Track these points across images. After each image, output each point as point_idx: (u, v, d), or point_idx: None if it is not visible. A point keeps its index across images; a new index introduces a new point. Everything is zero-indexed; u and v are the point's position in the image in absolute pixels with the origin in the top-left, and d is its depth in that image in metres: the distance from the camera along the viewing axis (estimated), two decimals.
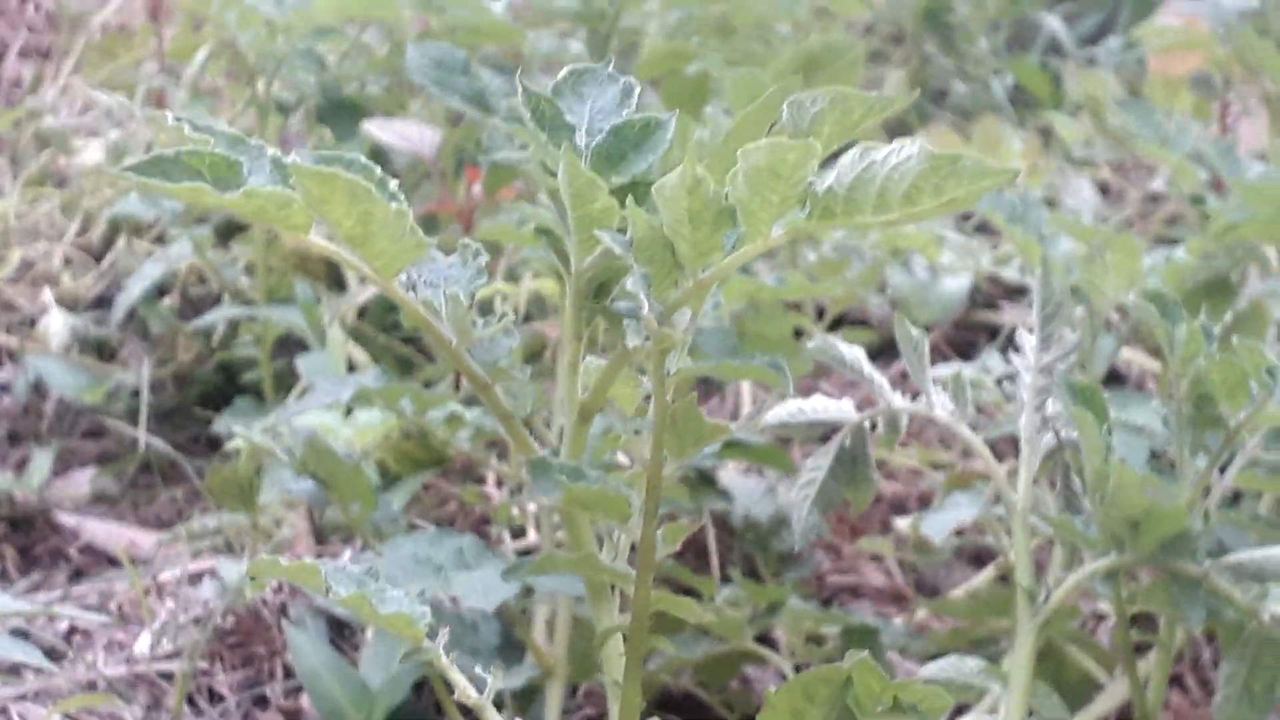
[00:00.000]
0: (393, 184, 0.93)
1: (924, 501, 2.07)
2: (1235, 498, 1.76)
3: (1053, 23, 3.20)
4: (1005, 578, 1.86)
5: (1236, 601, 1.30)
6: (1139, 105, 2.00)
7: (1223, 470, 1.35)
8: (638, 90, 0.97)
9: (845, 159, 0.88)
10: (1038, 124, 2.95)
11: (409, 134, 2.22)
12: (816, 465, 1.33)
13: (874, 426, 1.37)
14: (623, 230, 0.91)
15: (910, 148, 0.86)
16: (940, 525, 1.60)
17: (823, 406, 1.34)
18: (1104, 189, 2.72)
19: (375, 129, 2.26)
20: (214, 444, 2.39)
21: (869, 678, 0.95)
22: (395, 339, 2.59)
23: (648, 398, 0.95)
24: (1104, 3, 3.42)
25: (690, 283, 0.91)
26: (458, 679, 0.99)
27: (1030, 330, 1.36)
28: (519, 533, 2.02)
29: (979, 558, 2.01)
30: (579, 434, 0.98)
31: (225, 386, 2.54)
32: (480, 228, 2.12)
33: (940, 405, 1.35)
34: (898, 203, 0.87)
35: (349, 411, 2.01)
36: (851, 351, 1.35)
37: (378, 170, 0.93)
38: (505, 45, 2.23)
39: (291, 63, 2.38)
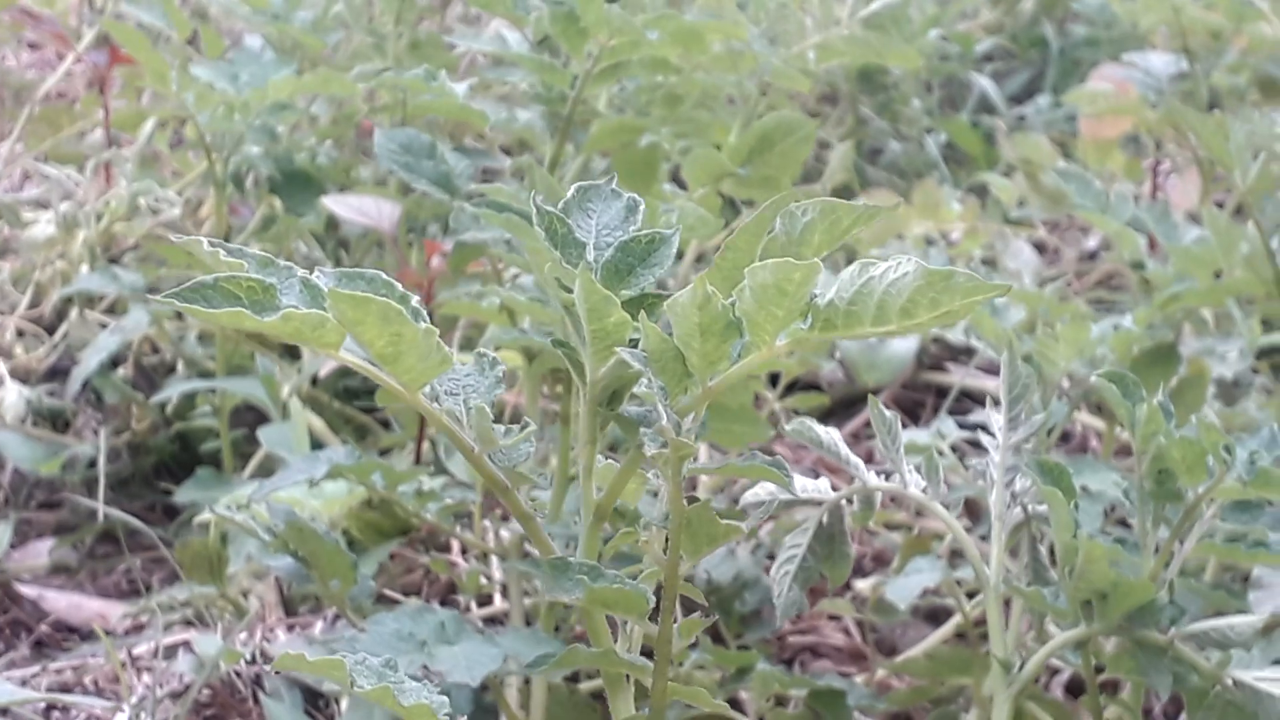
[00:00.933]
0: (415, 300, 0.98)
1: (880, 560, 2.13)
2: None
3: (983, 82, 3.28)
4: (962, 636, 1.92)
5: (1201, 668, 1.36)
6: (1078, 174, 2.07)
7: (1182, 541, 1.42)
8: (642, 207, 1.03)
9: (845, 273, 0.94)
10: (971, 183, 3.03)
11: (366, 209, 2.27)
12: (795, 542, 1.38)
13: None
14: (634, 340, 0.96)
15: (907, 265, 0.92)
16: (904, 591, 1.66)
17: (800, 486, 1.39)
18: (1040, 248, 2.80)
19: (332, 204, 2.30)
20: (171, 512, 2.43)
21: None
22: (350, 406, 2.63)
23: (654, 493, 1.00)
24: (1031, 61, 3.50)
25: (699, 390, 0.96)
26: None
27: (997, 409, 1.42)
28: (485, 600, 2.07)
29: (935, 616, 2.07)
30: (594, 533, 1.03)
31: (181, 455, 2.57)
32: (439, 300, 2.16)
33: (914, 484, 1.41)
34: (895, 316, 0.93)
35: (311, 484, 2.05)
36: (828, 434, 1.40)
37: (399, 287, 0.98)
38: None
39: (242, 141, 2.43)
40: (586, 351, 0.98)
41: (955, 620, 1.94)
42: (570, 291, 0.97)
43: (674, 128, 2.20)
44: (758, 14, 2.21)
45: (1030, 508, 1.41)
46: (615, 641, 1.06)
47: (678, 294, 0.93)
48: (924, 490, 1.41)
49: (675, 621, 1.01)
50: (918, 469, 1.42)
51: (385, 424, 2.55)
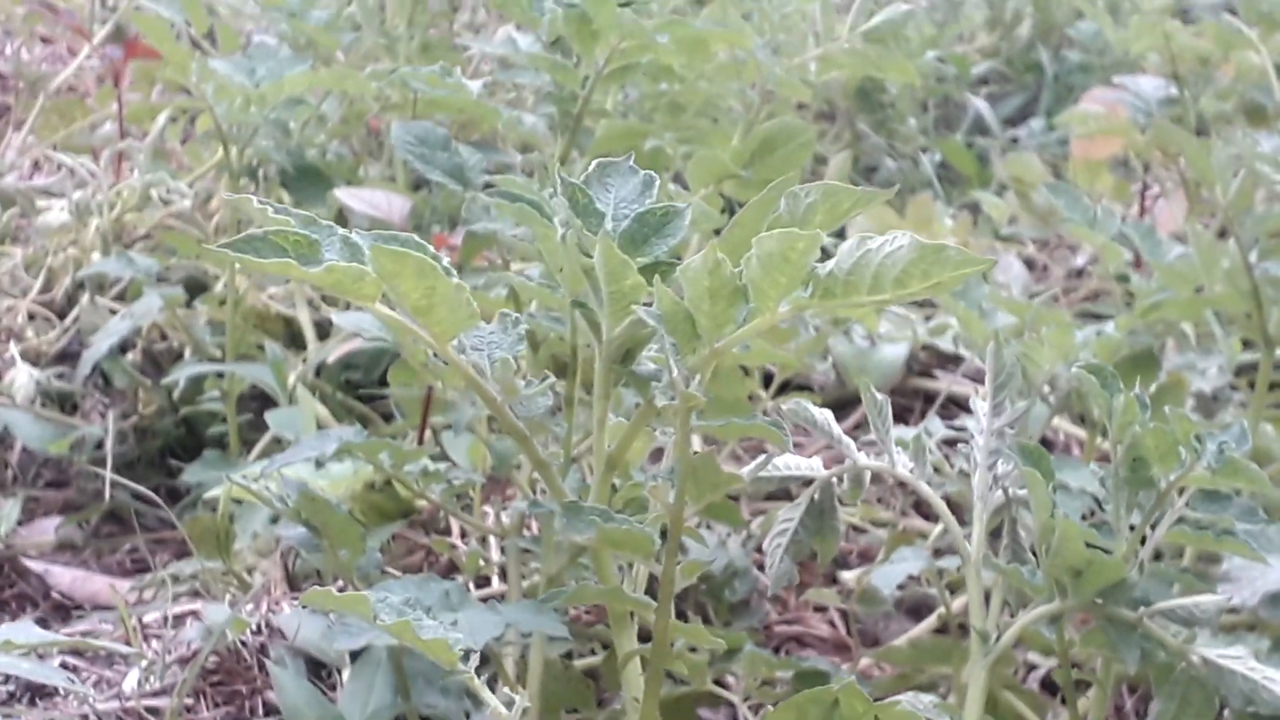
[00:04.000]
0: (446, 260, 1.05)
1: (865, 557, 2.20)
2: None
3: (978, 104, 3.36)
4: (943, 629, 1.99)
5: (1168, 645, 1.44)
6: (1067, 190, 2.15)
7: (1154, 527, 1.49)
8: (657, 182, 1.10)
9: (844, 246, 1.02)
10: (964, 201, 3.10)
11: (377, 202, 2.34)
12: (788, 517, 1.46)
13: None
14: (647, 304, 1.03)
15: (902, 238, 0.99)
16: (889, 577, 1.73)
17: (794, 463, 1.47)
18: (1029, 264, 2.87)
19: (345, 197, 2.37)
20: (175, 495, 2.48)
21: (854, 699, 1.07)
22: (352, 397, 2.70)
23: (657, 450, 1.07)
24: (1026, 85, 3.58)
25: (706, 351, 1.04)
26: (488, 698, 1.10)
27: (983, 397, 1.50)
28: (483, 582, 2.13)
29: (917, 610, 2.14)
30: (605, 481, 1.10)
31: (186, 440, 2.63)
32: None
33: (901, 464, 1.48)
34: (890, 285, 1.00)
35: (319, 465, 2.11)
36: (822, 414, 1.48)
37: (430, 247, 1.05)
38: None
39: (261, 131, 2.49)
40: (604, 312, 1.05)
41: (937, 613, 2.01)
42: (590, 257, 1.04)
43: (677, 134, 2.27)
44: (761, 24, 2.28)
45: (1011, 491, 1.48)
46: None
47: (690, 259, 1.00)
48: (910, 471, 1.49)
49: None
50: (904, 448, 1.49)
51: (387, 416, 2.61)
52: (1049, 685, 2.03)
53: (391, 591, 1.68)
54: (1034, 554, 1.50)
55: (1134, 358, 1.91)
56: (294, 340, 2.66)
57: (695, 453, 1.06)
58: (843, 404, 2.47)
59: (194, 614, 2.06)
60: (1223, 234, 2.47)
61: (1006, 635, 1.43)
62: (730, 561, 2.01)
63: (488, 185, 1.96)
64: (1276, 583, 1.54)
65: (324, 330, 2.81)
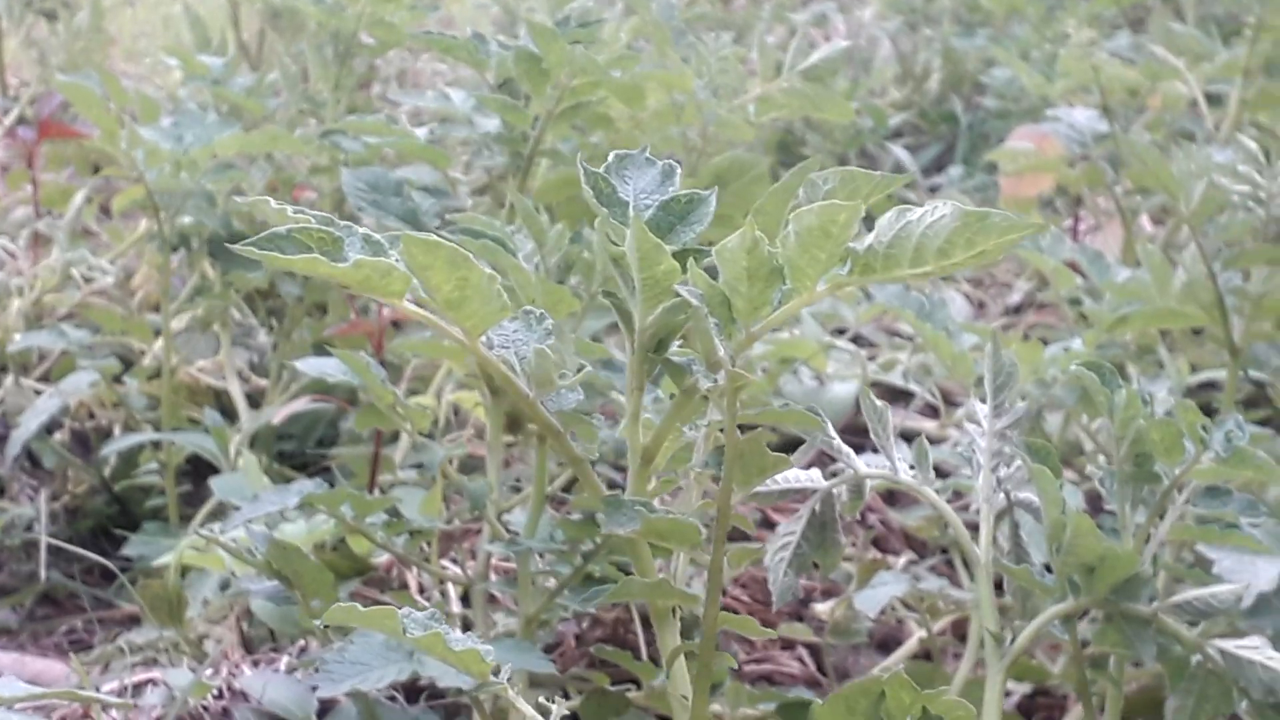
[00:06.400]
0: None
1: (828, 593, 2.18)
2: None
3: (898, 152, 3.37)
4: (925, 656, 1.97)
5: (1184, 638, 1.42)
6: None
7: (1159, 520, 1.48)
8: (678, 172, 1.09)
9: (882, 220, 1.00)
10: None
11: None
12: (790, 530, 1.43)
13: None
14: (676, 294, 1.01)
15: (944, 207, 0.97)
16: (873, 600, 1.71)
17: (793, 476, 1.44)
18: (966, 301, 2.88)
19: None
20: (108, 575, 2.43)
21: (901, 690, 1.05)
22: (286, 467, 2.66)
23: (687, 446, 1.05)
24: (941, 136, 3.60)
25: (743, 334, 1.01)
26: (525, 709, 1.07)
27: (980, 399, 1.48)
28: None
29: (885, 645, 2.12)
30: (641, 475, 1.07)
31: (119, 518, 2.59)
32: (393, 345, 2.21)
33: (904, 470, 1.46)
34: (932, 256, 0.98)
35: (270, 526, 2.07)
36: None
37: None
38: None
39: (187, 201, 2.46)
40: (636, 300, 1.03)
41: (914, 639, 1.99)
42: (618, 246, 1.02)
43: None
44: (699, 67, 2.28)
45: (1014, 494, 1.47)
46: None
47: (726, 240, 0.98)
48: (914, 476, 1.47)
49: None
50: (909, 465, 1.47)
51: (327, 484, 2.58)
52: (1025, 709, 2.01)
53: (373, 635, 1.65)
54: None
55: (1090, 368, 1.91)
56: (225, 413, 2.62)
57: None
58: (793, 445, 2.45)
59: (152, 682, 2.00)
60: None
61: (1021, 637, 1.41)
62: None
63: (450, 221, 1.94)
64: (1270, 582, 1.53)
65: (255, 401, 2.77)
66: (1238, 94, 2.57)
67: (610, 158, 1.09)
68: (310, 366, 1.76)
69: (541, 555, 1.72)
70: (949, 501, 1.58)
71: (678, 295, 1.02)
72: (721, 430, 1.09)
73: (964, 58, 3.66)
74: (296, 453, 2.72)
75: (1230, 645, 1.42)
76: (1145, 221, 2.79)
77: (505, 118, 1.95)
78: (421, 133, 2.05)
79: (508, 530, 1.80)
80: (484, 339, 1.02)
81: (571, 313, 1.54)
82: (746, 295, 1.00)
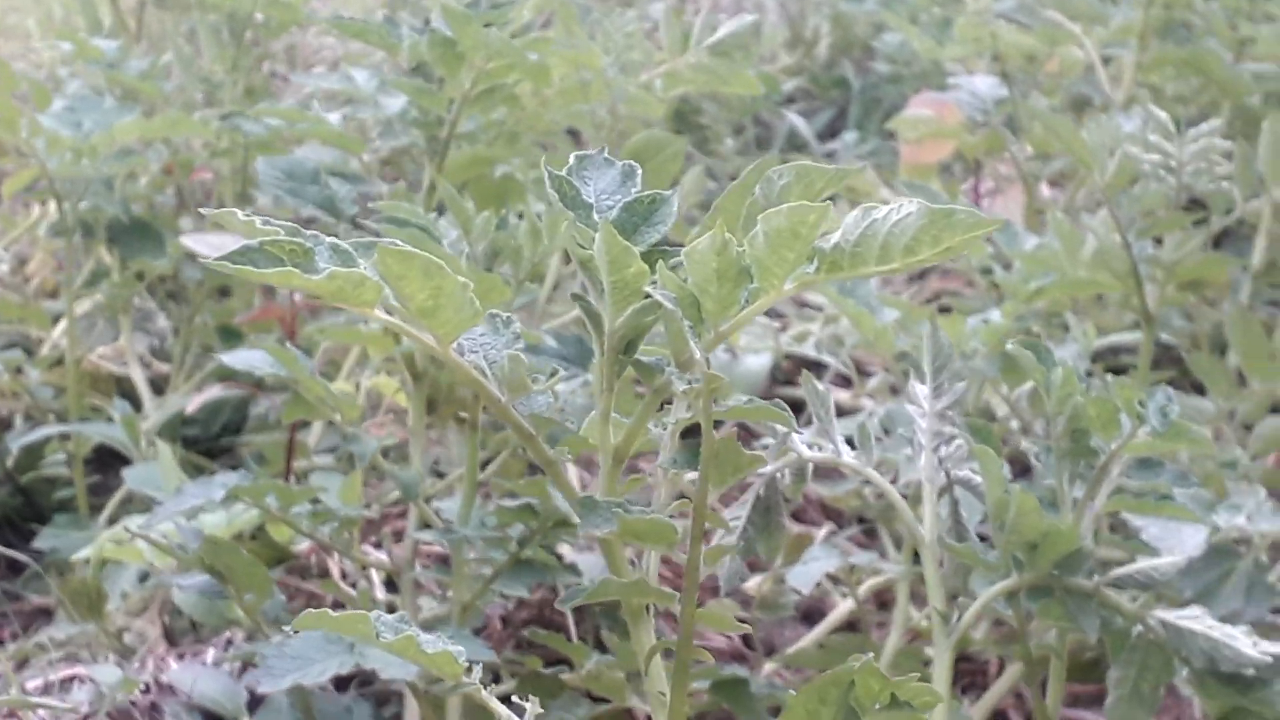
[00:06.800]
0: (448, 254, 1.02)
1: (753, 567, 2.19)
2: None
3: (794, 119, 3.39)
4: (850, 627, 1.99)
5: (1125, 611, 1.45)
6: (922, 187, 2.17)
7: (1094, 497, 1.50)
8: (639, 173, 1.09)
9: (849, 218, 1.01)
10: None
11: (225, 246, 2.28)
12: (735, 515, 1.44)
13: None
14: (645, 295, 1.02)
15: (909, 205, 0.98)
16: (807, 576, 1.73)
17: None
18: None
19: (191, 242, 2.32)
20: (15, 568, 2.41)
21: (870, 679, 1.06)
22: (192, 453, 2.64)
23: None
24: (833, 101, 3.62)
25: (712, 334, 1.02)
26: (498, 709, 1.07)
27: (919, 381, 1.50)
28: None
29: (809, 616, 2.14)
30: (614, 475, 1.08)
31: (25, 510, 2.55)
32: (306, 330, 2.20)
33: (846, 452, 1.48)
34: (899, 254, 0.99)
35: (189, 518, 2.06)
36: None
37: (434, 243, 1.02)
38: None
39: (88, 188, 2.44)
40: (605, 303, 1.03)
41: (841, 610, 2.01)
42: (585, 249, 1.02)
43: (525, 159, 2.26)
44: (606, 43, 2.27)
45: (954, 473, 1.49)
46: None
47: (695, 241, 0.99)
48: (856, 458, 1.48)
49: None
50: (849, 441, 1.49)
51: (233, 468, 2.57)
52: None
53: (314, 630, 1.65)
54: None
55: (1025, 347, 1.94)
56: (128, 399, 2.59)
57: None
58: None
59: (77, 678, 1.99)
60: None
61: (968, 614, 1.43)
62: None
63: (356, 216, 1.92)
64: (1196, 546, 1.56)
65: (158, 387, 2.74)
66: (1133, 57, 2.60)
67: (573, 159, 1.09)
68: (237, 360, 1.75)
69: (471, 542, 1.73)
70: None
71: (647, 297, 1.03)
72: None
73: (853, 22, 3.67)
74: (202, 438, 2.70)
75: (1171, 615, 1.45)
76: (1044, 186, 2.82)
77: (420, 102, 1.94)
78: (334, 118, 2.03)
79: (438, 516, 1.80)
80: (455, 345, 1.02)
81: (503, 300, 1.54)
82: (716, 296, 1.00)
